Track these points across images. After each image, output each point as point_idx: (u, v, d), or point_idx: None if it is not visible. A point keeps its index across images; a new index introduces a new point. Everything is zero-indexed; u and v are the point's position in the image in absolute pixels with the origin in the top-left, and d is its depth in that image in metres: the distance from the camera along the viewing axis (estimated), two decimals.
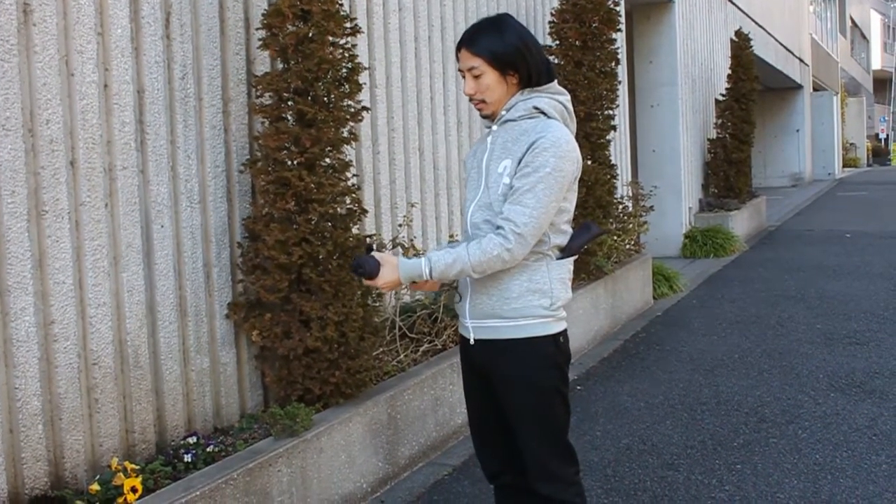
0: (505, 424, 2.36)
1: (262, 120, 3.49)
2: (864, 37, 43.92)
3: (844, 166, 30.57)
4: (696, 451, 3.97)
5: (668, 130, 10.31)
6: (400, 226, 4.70)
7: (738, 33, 11.98)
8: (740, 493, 3.49)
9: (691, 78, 11.04)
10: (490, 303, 2.26)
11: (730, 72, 11.80)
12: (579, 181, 2.32)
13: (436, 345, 4.35)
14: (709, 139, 11.69)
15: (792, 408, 4.52)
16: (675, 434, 4.20)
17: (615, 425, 4.37)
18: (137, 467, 2.85)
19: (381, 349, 4.11)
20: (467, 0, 5.56)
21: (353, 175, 3.80)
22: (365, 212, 3.71)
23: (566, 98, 2.33)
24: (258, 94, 3.46)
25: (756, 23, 15.32)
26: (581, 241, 2.33)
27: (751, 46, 11.96)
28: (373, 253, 2.26)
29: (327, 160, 3.46)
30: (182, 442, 3.13)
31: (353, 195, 3.59)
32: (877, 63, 47.06)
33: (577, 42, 6.10)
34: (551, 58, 5.46)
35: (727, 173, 11.52)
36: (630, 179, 8.60)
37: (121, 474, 2.75)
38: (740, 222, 11.34)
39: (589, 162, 6.14)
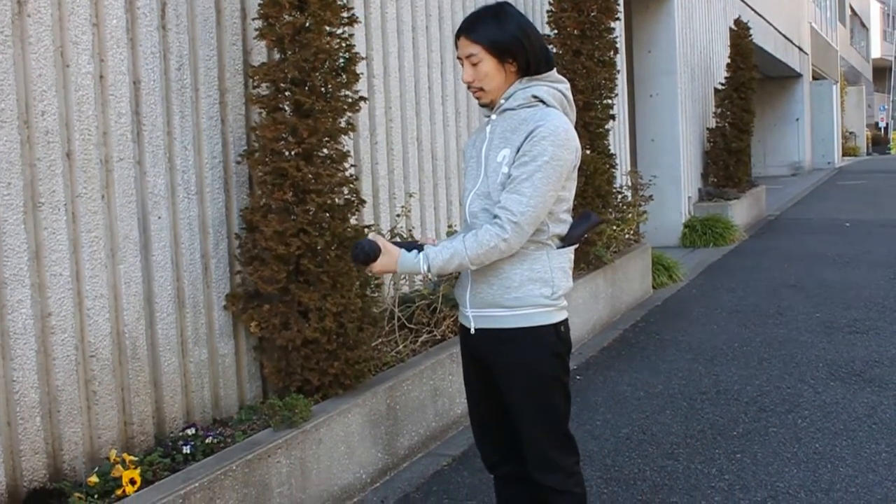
0: (505, 414, 2.35)
1: (259, 110, 3.47)
2: (863, 25, 43.82)
3: (844, 155, 30.54)
4: (696, 440, 3.97)
5: (667, 120, 10.29)
6: (398, 216, 4.69)
7: (738, 22, 11.94)
8: (740, 482, 3.49)
9: (690, 67, 11.01)
10: (491, 292, 2.25)
11: (729, 61, 11.77)
12: (578, 170, 2.31)
13: (435, 335, 4.34)
14: (708, 128, 11.67)
15: (792, 397, 4.52)
16: (674, 423, 4.20)
17: (615, 415, 4.37)
18: (136, 459, 2.85)
19: (380, 340, 4.11)
20: None
21: (351, 165, 3.79)
22: (363, 202, 3.70)
23: (565, 86, 2.31)
24: (255, 84, 3.44)
25: (755, 11, 15.27)
26: (581, 230, 2.32)
27: (750, 35, 11.92)
28: (377, 238, 2.22)
29: (325, 150, 3.45)
30: (181, 433, 3.13)
31: (351, 185, 3.58)
32: (876, 52, 46.97)
33: (575, 31, 6.08)
34: (549, 47, 5.43)
35: (726, 162, 11.50)
36: (629, 169, 8.59)
37: (119, 466, 2.75)
38: (740, 211, 11.32)
39: (588, 151, 6.13)
